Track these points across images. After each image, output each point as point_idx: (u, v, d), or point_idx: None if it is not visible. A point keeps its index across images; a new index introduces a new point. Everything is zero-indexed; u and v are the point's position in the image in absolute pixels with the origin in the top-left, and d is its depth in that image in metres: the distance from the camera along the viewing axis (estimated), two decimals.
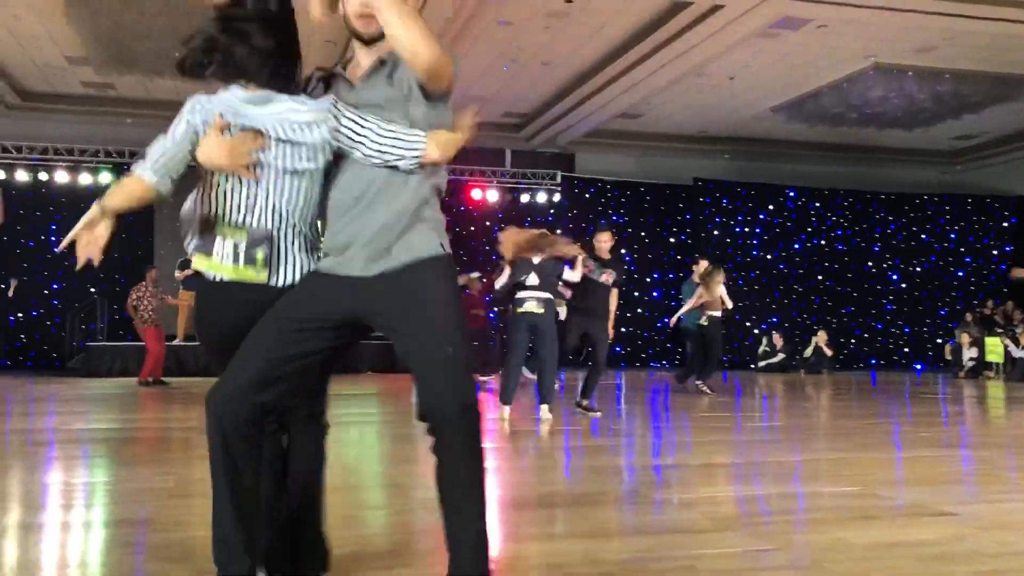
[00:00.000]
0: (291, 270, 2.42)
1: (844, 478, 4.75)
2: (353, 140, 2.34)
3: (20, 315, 16.13)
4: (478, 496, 2.26)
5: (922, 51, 12.62)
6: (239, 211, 2.39)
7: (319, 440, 2.61)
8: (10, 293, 13.73)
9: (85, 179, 15.95)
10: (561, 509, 3.94)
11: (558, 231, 8.55)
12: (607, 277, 8.32)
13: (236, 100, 2.39)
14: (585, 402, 8.11)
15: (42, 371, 15.29)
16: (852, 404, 10.21)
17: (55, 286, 16.40)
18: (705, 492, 4.35)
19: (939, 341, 19.51)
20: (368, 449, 6.12)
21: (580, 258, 8.07)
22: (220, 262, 2.37)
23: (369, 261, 2.36)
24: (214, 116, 2.36)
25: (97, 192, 15.91)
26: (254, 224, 2.38)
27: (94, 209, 2.32)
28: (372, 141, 2.33)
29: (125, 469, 4.96)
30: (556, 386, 8.21)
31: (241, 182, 2.39)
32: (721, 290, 11.34)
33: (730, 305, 11.54)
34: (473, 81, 14.25)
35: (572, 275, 8.00)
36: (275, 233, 2.40)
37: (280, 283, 2.40)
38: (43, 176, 15.88)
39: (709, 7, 10.86)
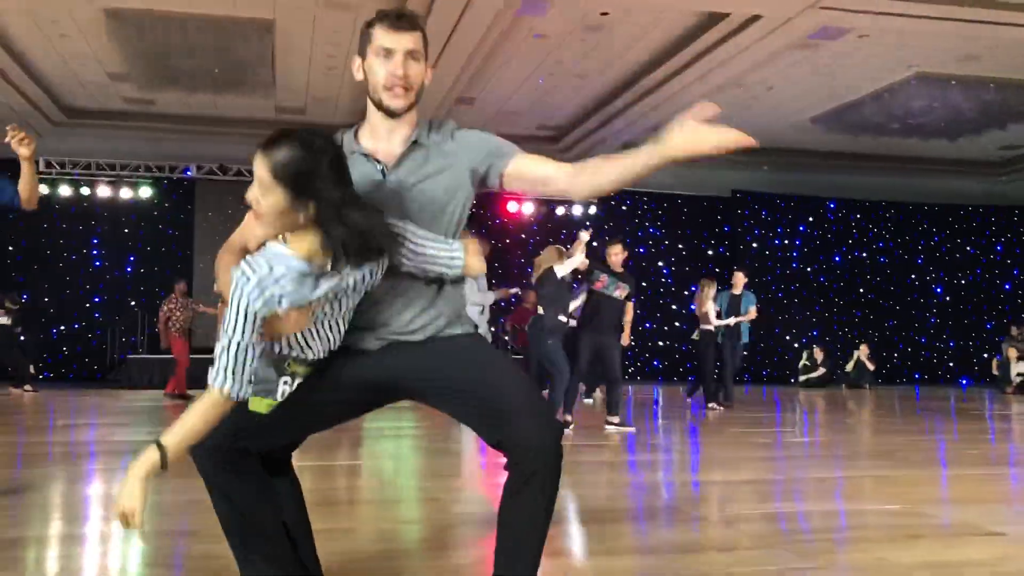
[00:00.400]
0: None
1: (888, 496, 4.65)
2: (402, 256, 2.21)
3: (62, 328, 16.42)
4: (546, 523, 2.21)
5: (966, 60, 12.42)
6: (314, 350, 2.20)
7: (290, 461, 2.55)
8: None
9: (126, 193, 16.24)
10: (599, 525, 3.89)
11: (595, 243, 8.54)
12: (620, 291, 8.21)
13: (315, 274, 2.08)
14: (616, 419, 8.00)
15: (83, 383, 15.52)
16: (895, 420, 10.02)
17: (96, 299, 16.67)
18: (745, 509, 4.27)
19: (985, 356, 19.14)
20: (404, 463, 6.10)
21: (580, 239, 7.95)
22: (279, 398, 2.20)
23: (404, 337, 2.29)
24: (287, 300, 2.05)
25: (138, 206, 16.32)
26: (317, 355, 2.22)
27: (150, 463, 1.97)
28: (417, 255, 2.21)
29: (164, 481, 4.98)
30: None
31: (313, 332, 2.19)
32: (709, 305, 11.21)
33: (716, 322, 11.28)
34: (509, 94, 14.29)
35: (561, 268, 7.87)
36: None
37: None
38: (85, 191, 16.17)
39: (746, 18, 10.78)
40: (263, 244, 2.12)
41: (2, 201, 4.01)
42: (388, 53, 2.24)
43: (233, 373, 2.01)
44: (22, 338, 14.19)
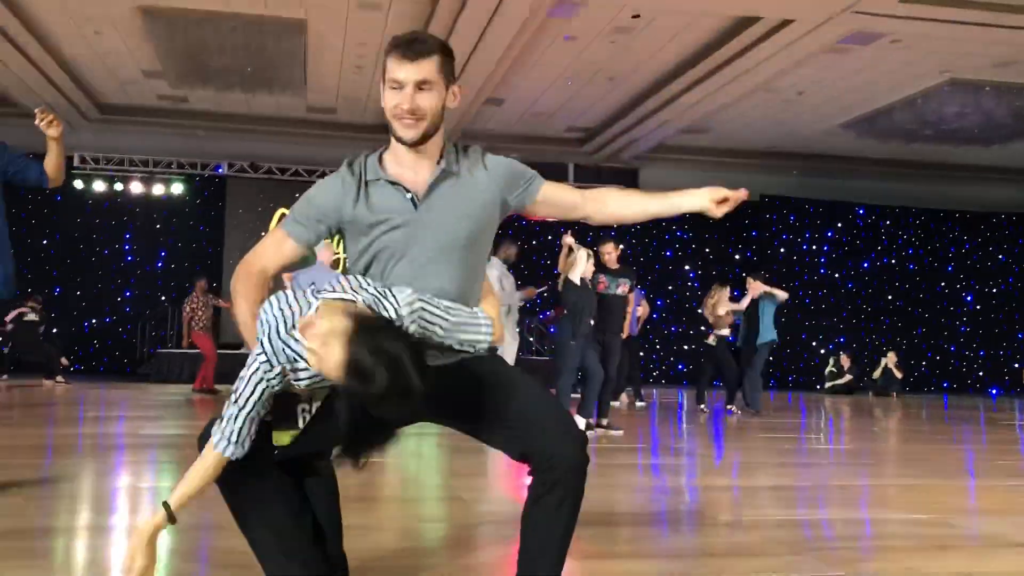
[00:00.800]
0: None
1: (915, 505, 4.60)
2: (429, 330, 2.17)
3: (94, 321, 16.63)
4: (569, 530, 2.20)
5: (1000, 65, 12.28)
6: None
7: (330, 463, 2.56)
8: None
9: (158, 189, 16.44)
10: (623, 527, 3.89)
11: (621, 246, 8.55)
12: (623, 288, 8.23)
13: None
14: (605, 421, 8.01)
15: (113, 376, 15.71)
16: (923, 428, 9.92)
17: (127, 293, 16.87)
18: (769, 515, 4.25)
19: (1016, 365, 18.89)
20: (428, 461, 6.12)
21: (565, 243, 7.98)
22: (300, 426, 2.23)
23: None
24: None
25: (170, 203, 16.53)
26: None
27: (155, 523, 2.10)
28: (451, 335, 2.19)
29: None
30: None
31: None
32: (727, 307, 11.08)
33: (737, 306, 11.16)
34: (538, 96, 14.29)
35: (574, 274, 7.85)
36: None
37: None
38: (118, 186, 16.39)
39: (778, 22, 10.72)
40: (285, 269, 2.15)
41: (30, 180, 4.13)
42: (397, 84, 2.21)
43: (238, 441, 2.09)
44: (54, 330, 14.40)
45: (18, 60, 12.53)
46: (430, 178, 2.27)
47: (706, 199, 2.41)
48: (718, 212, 2.43)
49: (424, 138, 2.24)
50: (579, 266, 7.84)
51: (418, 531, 3.74)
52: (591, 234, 10.11)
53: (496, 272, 8.80)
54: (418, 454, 6.43)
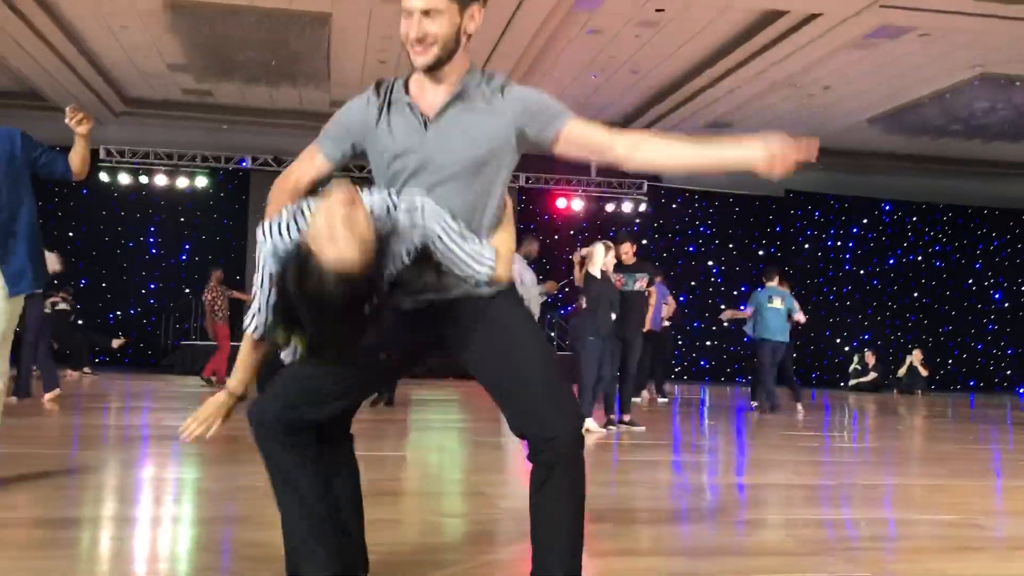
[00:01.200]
0: None
1: (940, 505, 4.55)
2: (435, 252, 2.22)
3: (119, 313, 16.79)
4: (576, 516, 2.19)
5: None
6: None
7: (352, 448, 2.57)
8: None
9: (182, 182, 16.54)
10: (644, 524, 3.87)
11: (644, 241, 8.60)
12: (641, 283, 8.23)
13: None
14: (627, 417, 7.97)
15: (138, 368, 15.85)
16: (948, 427, 9.82)
17: (151, 286, 17.01)
18: (791, 514, 4.22)
19: None
20: (449, 455, 6.12)
21: (576, 260, 8.03)
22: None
23: (438, 296, 2.30)
24: None
25: (194, 196, 16.59)
26: None
27: (223, 397, 2.38)
28: (449, 253, 2.22)
29: (216, 467, 5.08)
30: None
31: None
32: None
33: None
34: (561, 89, 14.24)
35: (593, 269, 7.81)
36: None
37: None
38: (143, 179, 16.51)
39: (805, 16, 10.62)
40: (315, 187, 2.35)
41: (56, 173, 4.22)
42: (407, 13, 2.22)
43: (256, 322, 2.29)
44: (79, 321, 14.55)
45: (45, 54, 12.64)
46: (444, 100, 2.28)
47: (759, 152, 2.11)
48: (771, 170, 2.11)
49: (438, 63, 2.23)
50: (597, 259, 7.81)
51: (439, 526, 3.74)
52: (612, 231, 10.15)
53: (517, 267, 8.79)
54: (440, 448, 6.43)
